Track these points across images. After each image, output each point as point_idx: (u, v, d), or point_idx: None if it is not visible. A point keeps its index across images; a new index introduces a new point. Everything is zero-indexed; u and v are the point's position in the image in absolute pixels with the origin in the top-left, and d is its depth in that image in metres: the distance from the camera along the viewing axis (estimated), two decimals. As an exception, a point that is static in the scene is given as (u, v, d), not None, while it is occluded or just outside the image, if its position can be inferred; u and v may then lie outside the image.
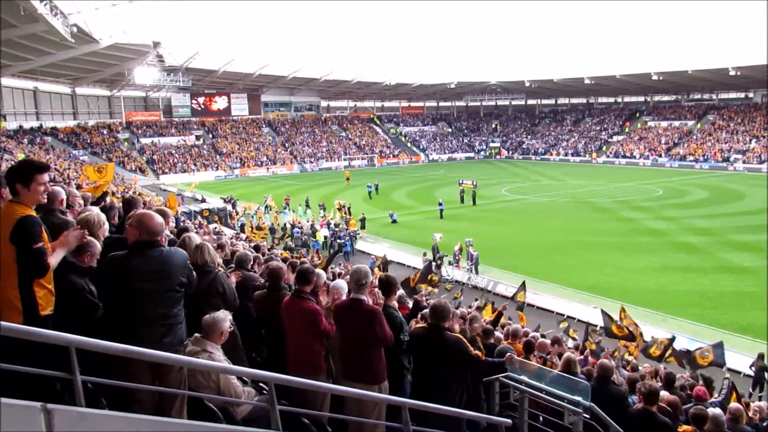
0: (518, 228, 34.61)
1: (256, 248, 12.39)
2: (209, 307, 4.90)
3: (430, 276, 17.83)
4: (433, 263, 25.93)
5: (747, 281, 22.95)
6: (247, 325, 5.57)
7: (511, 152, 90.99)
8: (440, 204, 39.13)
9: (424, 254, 26.66)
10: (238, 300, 5.58)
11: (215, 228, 24.78)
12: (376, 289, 5.73)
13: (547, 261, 27.04)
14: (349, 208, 38.78)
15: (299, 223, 35.57)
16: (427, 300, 10.13)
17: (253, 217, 36.68)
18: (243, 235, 27.22)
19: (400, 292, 9.50)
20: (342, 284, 5.99)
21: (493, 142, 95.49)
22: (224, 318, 4.69)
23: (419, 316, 7.23)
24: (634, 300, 20.64)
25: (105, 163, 42.05)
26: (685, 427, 6.31)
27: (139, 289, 4.06)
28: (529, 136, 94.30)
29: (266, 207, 41.87)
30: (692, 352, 13.48)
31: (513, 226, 35.34)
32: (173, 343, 4.09)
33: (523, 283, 19.00)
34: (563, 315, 20.60)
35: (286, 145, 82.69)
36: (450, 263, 26.78)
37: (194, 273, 4.63)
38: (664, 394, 7.02)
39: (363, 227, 34.42)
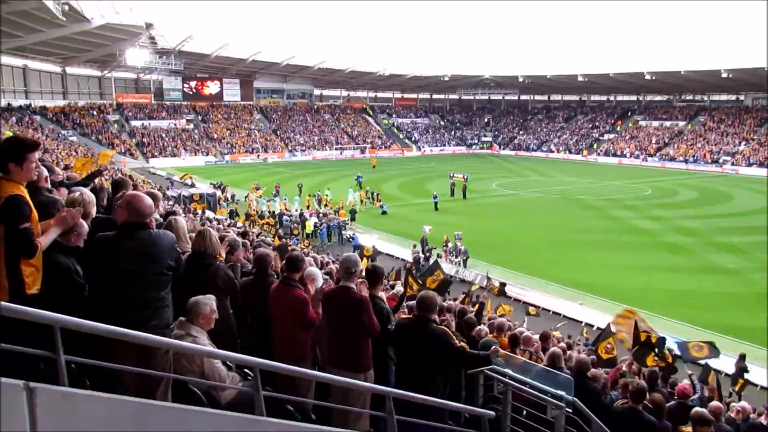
0: (508, 223, 34.73)
1: (243, 234, 12.32)
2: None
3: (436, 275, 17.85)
4: (422, 255, 26.04)
5: (730, 282, 23.22)
6: (234, 312, 5.56)
7: (502, 147, 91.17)
8: (435, 197, 39.21)
9: (414, 246, 26.71)
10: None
11: (204, 212, 24.67)
12: (362, 281, 5.75)
13: (535, 257, 27.19)
14: (378, 195, 39.84)
15: (288, 210, 35.50)
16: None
17: (254, 200, 36.78)
18: (231, 221, 27.09)
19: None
20: (315, 271, 5.99)
21: (485, 136, 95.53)
22: (206, 302, 4.67)
23: (405, 307, 7.25)
24: (620, 297, 20.81)
25: (107, 150, 41.75)
26: (686, 429, 6.36)
27: (126, 271, 4.03)
28: (521, 132, 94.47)
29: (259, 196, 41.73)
30: (686, 342, 13.58)
31: (502, 221, 35.46)
32: (159, 327, 4.07)
33: (487, 273, 18.90)
34: (549, 311, 20.75)
35: (278, 132, 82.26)
36: (439, 255, 26.84)
37: (182, 256, 4.61)
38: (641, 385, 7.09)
39: (353, 219, 34.44)
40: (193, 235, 5.85)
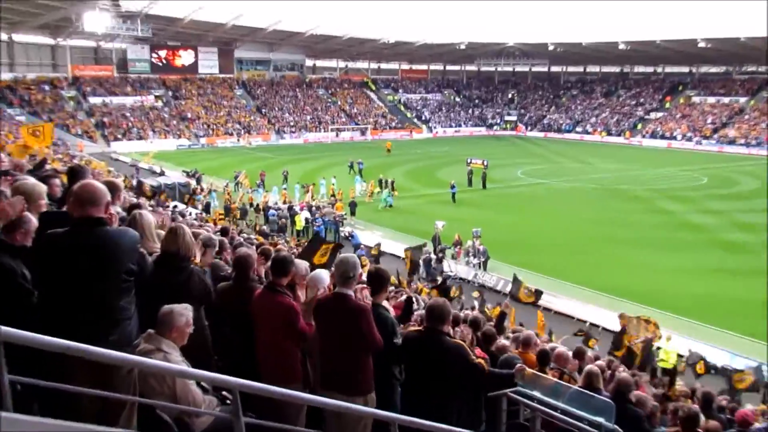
0: (535, 218, 34.70)
1: (224, 232, 12.35)
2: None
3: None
4: (433, 256, 26.03)
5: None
6: (209, 323, 5.55)
7: (529, 128, 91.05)
8: (452, 186, 39.30)
9: (424, 245, 26.71)
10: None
11: (176, 207, 24.75)
12: (363, 288, 5.73)
13: (567, 258, 27.16)
14: (392, 183, 40.24)
15: (275, 203, 35.52)
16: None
17: (212, 192, 36.85)
18: (207, 216, 27.15)
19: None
20: (323, 276, 5.96)
21: (508, 115, 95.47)
22: (182, 312, 4.66)
23: (413, 317, 7.23)
24: (668, 306, 20.78)
25: (42, 122, 41.74)
26: None
27: (80, 275, 4.02)
28: (551, 110, 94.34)
29: (237, 184, 41.72)
30: (730, 372, 13.61)
31: (529, 215, 35.42)
32: (120, 342, 4.04)
33: (515, 276, 19.05)
34: (585, 322, 20.73)
35: (263, 110, 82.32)
36: (453, 257, 26.87)
37: (147, 258, 4.59)
38: (692, 412, 7.06)
39: (353, 213, 34.48)
40: (163, 233, 5.83)
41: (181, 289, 5.17)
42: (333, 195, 38.61)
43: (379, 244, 27.23)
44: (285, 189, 39.03)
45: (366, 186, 41.81)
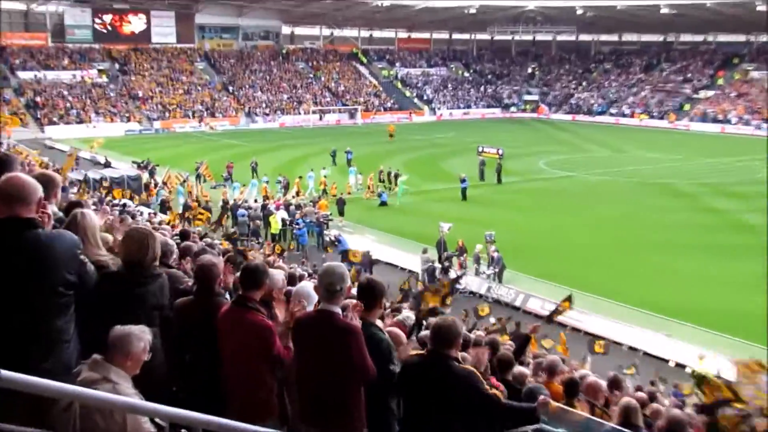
0: (560, 218, 34.84)
1: (183, 235, 12.34)
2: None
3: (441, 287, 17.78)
4: (438, 266, 26.05)
5: None
6: (164, 346, 5.53)
7: (553, 109, 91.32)
8: (463, 180, 39.42)
9: (424, 251, 26.74)
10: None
11: (125, 205, 24.71)
12: (354, 302, 5.71)
13: (599, 266, 27.25)
14: (396, 175, 40.84)
15: (255, 200, 35.54)
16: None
17: (194, 186, 36.98)
18: (163, 216, 27.08)
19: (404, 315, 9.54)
20: (308, 290, 5.95)
21: (528, 93, 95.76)
22: (141, 336, 4.63)
23: (414, 338, 7.22)
24: (721, 326, 20.82)
25: None
26: None
27: (4, 290, 3.99)
28: (580, 87, 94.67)
29: (198, 177, 41.67)
30: None
31: (552, 215, 35.53)
32: (56, 370, 4.01)
33: (569, 297, 19.06)
34: (621, 345, 20.77)
35: (231, 88, 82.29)
36: (462, 266, 26.87)
37: (90, 268, 4.56)
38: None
39: (341, 212, 34.47)
40: (109, 236, 5.78)
41: (137, 303, 5.18)
42: (324, 191, 38.69)
43: (368, 252, 27.10)
44: (266, 183, 39.12)
45: (356, 179, 41.81)
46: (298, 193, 38.27)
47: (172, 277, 6.45)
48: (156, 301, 5.35)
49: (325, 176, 40.84)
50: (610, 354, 19.42)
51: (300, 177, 40.43)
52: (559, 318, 22.60)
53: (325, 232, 31.72)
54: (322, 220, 32.23)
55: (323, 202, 35.05)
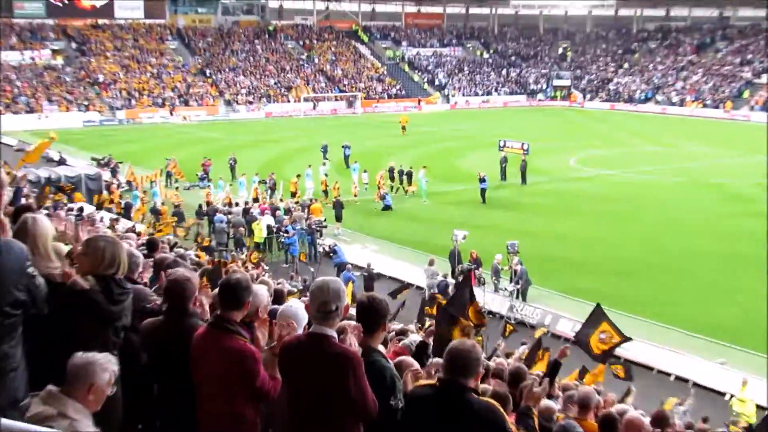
0: (595, 225, 34.81)
1: (150, 245, 12.31)
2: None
3: (472, 307, 17.73)
4: (451, 281, 25.96)
5: None
6: (129, 375, 5.53)
7: (588, 96, 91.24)
8: (482, 180, 39.39)
9: (430, 263, 26.66)
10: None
11: (81, 209, 24.74)
12: (352, 324, 5.70)
13: (641, 282, 27.15)
14: (409, 174, 41.31)
15: (225, 203, 35.53)
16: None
17: (153, 187, 36.92)
18: (131, 224, 27.08)
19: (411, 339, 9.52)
20: (298, 310, 5.94)
21: (558, 78, 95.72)
22: (105, 365, 4.61)
23: (425, 366, 7.20)
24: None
25: None
26: None
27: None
28: (619, 71, 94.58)
29: (168, 176, 41.69)
30: None
31: (586, 221, 35.53)
32: (0, 403, 4.03)
33: (597, 308, 18.98)
34: (669, 375, 20.70)
35: (208, 72, 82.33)
36: (480, 281, 26.74)
37: (40, 282, 4.55)
38: None
39: (338, 218, 34.35)
40: (62, 246, 5.76)
41: (104, 325, 5.19)
42: (325, 192, 38.84)
43: (368, 264, 27.09)
44: (256, 184, 39.11)
45: (359, 178, 41.77)
46: (294, 195, 38.29)
47: (137, 295, 6.45)
48: (127, 322, 5.37)
49: (325, 174, 40.82)
50: (655, 386, 19.39)
51: (298, 176, 40.32)
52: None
53: (318, 240, 31.66)
54: (314, 226, 32.10)
55: (316, 206, 34.86)
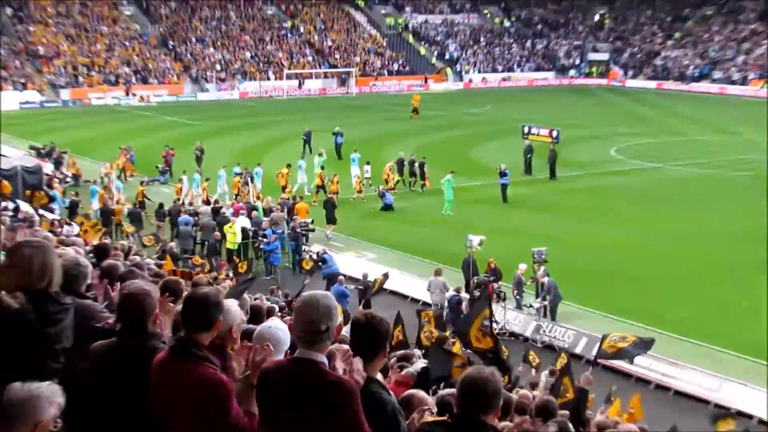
0: (638, 229, 34.83)
1: (100, 251, 12.29)
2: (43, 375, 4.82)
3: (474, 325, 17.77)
4: (465, 296, 25.94)
5: None
6: (75, 410, 5.52)
7: (630, 73, 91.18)
8: (503, 174, 39.46)
9: (437, 273, 26.62)
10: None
11: (17, 208, 24.78)
12: (343, 347, 5.68)
13: (692, 298, 27.18)
14: (422, 166, 41.83)
15: (188, 201, 35.58)
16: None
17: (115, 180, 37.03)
18: (74, 228, 27.05)
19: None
20: (278, 331, 5.92)
21: (595, 51, 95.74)
22: (52, 399, 4.59)
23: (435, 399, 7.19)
24: None
25: None
26: None
27: None
28: (668, 42, 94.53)
29: (122, 171, 41.66)
30: None
31: (628, 224, 35.58)
32: None
33: (649, 343, 19.09)
34: (729, 409, 20.70)
35: (171, 43, 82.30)
36: (500, 296, 26.73)
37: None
38: None
39: (330, 219, 34.23)
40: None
41: (42, 349, 5.17)
42: (322, 187, 39.01)
43: (364, 275, 27.02)
44: (239, 177, 39.16)
45: (359, 170, 41.85)
46: (284, 189, 38.45)
47: (84, 312, 6.42)
48: (67, 344, 5.35)
49: (321, 167, 40.91)
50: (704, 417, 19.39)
51: (288, 166, 40.36)
52: (640, 371, 22.73)
53: (304, 247, 31.62)
54: (299, 230, 32.04)
55: (302, 205, 34.79)
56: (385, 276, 26.13)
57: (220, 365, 5.47)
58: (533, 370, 20.04)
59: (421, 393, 6.85)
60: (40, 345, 5.09)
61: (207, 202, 35.57)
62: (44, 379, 4.67)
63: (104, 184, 38.13)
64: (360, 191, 39.72)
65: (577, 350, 24.13)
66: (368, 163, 42.81)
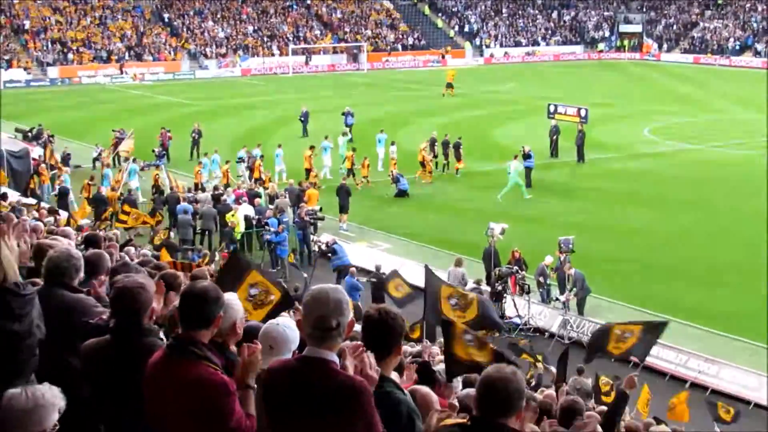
0: (674, 216, 34.76)
1: (89, 241, 12.33)
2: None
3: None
4: (486, 288, 25.93)
5: None
6: (68, 412, 5.55)
7: (666, 47, 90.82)
8: (527, 157, 39.25)
9: (457, 263, 26.56)
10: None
11: (4, 195, 24.85)
12: (354, 344, 5.69)
13: (731, 290, 27.09)
14: (456, 147, 41.76)
15: (183, 189, 35.63)
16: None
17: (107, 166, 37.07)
18: (62, 214, 27.09)
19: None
20: (286, 328, 5.97)
21: (627, 22, 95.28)
22: (53, 404, 4.62)
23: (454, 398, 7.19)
24: None
25: None
26: None
27: None
28: (707, 12, 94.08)
29: (116, 156, 41.69)
30: None
31: (663, 210, 35.51)
32: None
33: (658, 327, 18.99)
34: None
35: (166, 16, 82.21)
36: (524, 289, 26.68)
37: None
38: None
39: (343, 208, 34.07)
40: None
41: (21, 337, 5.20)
42: (350, 170, 39.43)
43: (377, 267, 26.98)
44: (257, 159, 39.31)
45: (384, 152, 42.14)
46: (309, 172, 38.76)
47: (76, 307, 6.44)
48: (41, 334, 5.33)
49: (353, 149, 40.91)
50: (750, 421, 19.36)
51: (312, 147, 40.56)
52: (675, 370, 22.71)
53: (312, 237, 31.53)
54: (307, 218, 31.90)
55: (313, 192, 34.75)
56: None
57: (221, 364, 5.46)
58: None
59: (424, 389, 6.86)
60: (9, 344, 5.10)
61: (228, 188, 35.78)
62: (23, 376, 4.69)
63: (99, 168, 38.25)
64: (391, 173, 39.38)
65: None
66: (393, 144, 42.44)
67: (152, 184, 36.36)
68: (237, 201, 33.17)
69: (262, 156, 40.39)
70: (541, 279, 26.93)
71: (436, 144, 42.44)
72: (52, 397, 4.57)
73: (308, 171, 38.99)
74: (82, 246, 11.71)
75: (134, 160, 38.53)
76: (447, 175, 41.21)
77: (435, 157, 42.15)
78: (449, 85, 65.27)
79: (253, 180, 37.83)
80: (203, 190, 35.74)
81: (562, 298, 26.19)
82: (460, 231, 31.85)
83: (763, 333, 23.89)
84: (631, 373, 15.47)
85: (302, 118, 50.35)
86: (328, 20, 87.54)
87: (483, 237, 28.08)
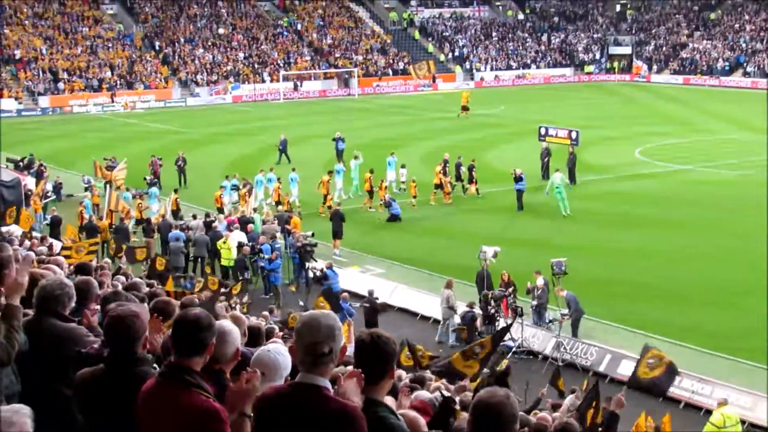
0: (666, 237, 34.81)
1: (80, 270, 12.31)
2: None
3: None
4: (479, 312, 25.94)
5: None
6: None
7: (656, 67, 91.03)
8: (518, 180, 39.27)
9: (447, 285, 26.58)
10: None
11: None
12: (349, 369, 5.70)
13: (724, 310, 27.07)
14: (470, 169, 41.82)
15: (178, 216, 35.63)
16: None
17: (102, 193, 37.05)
18: (55, 242, 27.06)
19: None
20: (276, 356, 5.95)
21: (617, 44, 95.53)
22: (22, 419, 4.63)
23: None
24: None
25: None
26: None
27: None
28: (696, 34, 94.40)
29: (107, 183, 41.72)
30: None
31: (655, 231, 35.56)
32: None
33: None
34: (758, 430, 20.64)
35: (157, 44, 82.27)
36: (515, 311, 26.65)
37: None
38: None
39: (336, 234, 34.05)
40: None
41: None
42: (369, 191, 39.76)
43: (369, 292, 26.95)
44: (277, 183, 39.78)
45: (395, 175, 42.18)
46: (326, 198, 38.82)
47: (68, 336, 6.44)
48: (6, 360, 5.32)
49: (370, 171, 40.78)
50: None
51: (330, 172, 40.74)
52: (671, 391, 22.68)
53: (307, 264, 31.35)
54: (301, 244, 31.77)
55: (296, 220, 34.60)
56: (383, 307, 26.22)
57: (213, 392, 5.44)
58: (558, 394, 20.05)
59: (412, 413, 6.85)
60: None
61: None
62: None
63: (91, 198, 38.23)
64: (414, 197, 40.07)
65: (601, 368, 24.05)
66: (404, 167, 43.08)
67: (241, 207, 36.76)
68: (228, 228, 33.17)
69: (279, 179, 40.49)
70: (534, 303, 27.00)
71: (448, 165, 42.42)
72: (23, 414, 4.59)
73: (325, 196, 39.02)
74: (74, 275, 11.70)
75: (127, 189, 38.59)
76: (467, 197, 41.36)
77: (449, 178, 42.12)
78: (465, 108, 65.54)
79: (273, 203, 38.22)
80: (212, 216, 35.85)
81: (559, 317, 26.05)
82: (453, 254, 31.86)
83: (758, 353, 23.92)
84: (619, 393, 15.58)
85: (281, 147, 50.35)
86: (319, 46, 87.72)
87: (476, 260, 28.11)
